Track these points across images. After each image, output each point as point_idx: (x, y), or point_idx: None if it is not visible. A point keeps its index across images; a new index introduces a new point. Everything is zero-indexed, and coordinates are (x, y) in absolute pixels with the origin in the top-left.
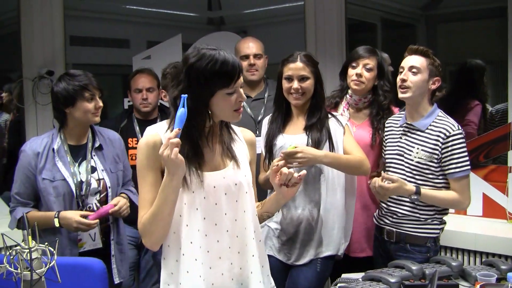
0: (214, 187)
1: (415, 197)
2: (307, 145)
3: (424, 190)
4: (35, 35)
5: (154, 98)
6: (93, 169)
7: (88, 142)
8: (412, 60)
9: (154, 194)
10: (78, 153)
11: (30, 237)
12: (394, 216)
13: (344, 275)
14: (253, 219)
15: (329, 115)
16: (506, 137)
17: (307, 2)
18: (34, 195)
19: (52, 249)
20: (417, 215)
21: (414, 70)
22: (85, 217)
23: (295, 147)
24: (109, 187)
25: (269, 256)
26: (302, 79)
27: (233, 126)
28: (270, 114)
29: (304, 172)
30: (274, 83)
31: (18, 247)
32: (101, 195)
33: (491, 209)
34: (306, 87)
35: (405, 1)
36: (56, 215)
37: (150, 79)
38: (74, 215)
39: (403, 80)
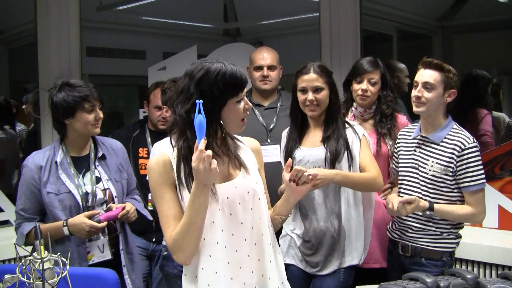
0: (228, 198)
1: (429, 213)
2: (325, 157)
3: (438, 206)
4: (52, 46)
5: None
6: (98, 180)
7: (91, 152)
8: (426, 76)
9: (176, 209)
10: (81, 165)
11: (42, 247)
12: (409, 230)
13: None
14: (269, 225)
15: (346, 125)
16: None
17: (322, 13)
18: (39, 210)
19: (65, 259)
20: (433, 229)
21: (428, 86)
22: (92, 217)
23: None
24: (115, 197)
25: (291, 265)
26: (316, 90)
27: (237, 136)
28: (288, 127)
29: (315, 172)
30: (288, 94)
31: (31, 257)
32: (108, 205)
33: (507, 221)
34: (321, 98)
35: (421, 12)
36: (65, 224)
37: None
38: (82, 219)
39: (418, 97)
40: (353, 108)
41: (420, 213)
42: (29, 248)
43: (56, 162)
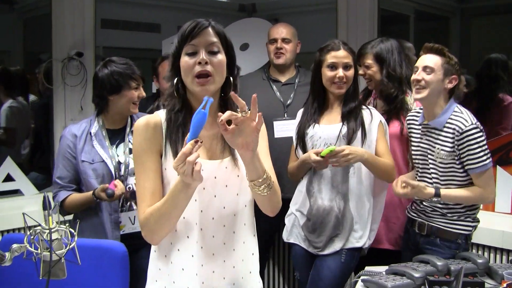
0: (215, 177)
1: (436, 199)
2: (339, 135)
3: (444, 191)
4: (66, 17)
5: None
6: (131, 151)
7: (127, 126)
8: (426, 60)
9: (155, 182)
10: (116, 137)
11: (50, 218)
12: (427, 210)
13: (367, 268)
14: (252, 214)
15: (363, 107)
16: None
17: None
18: (75, 178)
19: (73, 230)
20: (447, 211)
21: (428, 70)
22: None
23: (334, 149)
24: None
25: (294, 244)
26: (346, 67)
27: None
28: (304, 106)
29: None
30: (306, 71)
31: (39, 228)
32: None
33: None
34: (350, 75)
35: None
36: (93, 192)
37: None
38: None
39: (418, 81)
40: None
41: (428, 200)
42: (38, 218)
43: (90, 132)
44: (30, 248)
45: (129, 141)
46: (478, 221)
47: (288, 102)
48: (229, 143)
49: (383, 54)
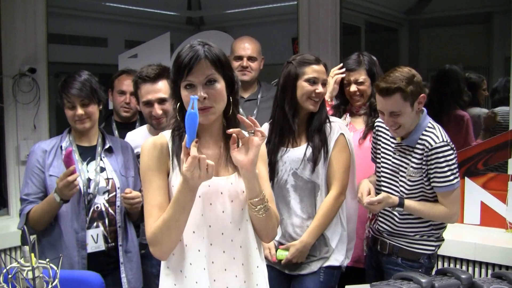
0: (222, 193)
1: (399, 208)
2: (307, 157)
3: (409, 202)
4: (17, 31)
5: (136, 104)
6: (102, 169)
7: (98, 144)
8: (389, 105)
9: (162, 198)
10: (87, 153)
11: (33, 255)
12: (388, 229)
13: (348, 287)
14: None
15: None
16: (506, 145)
17: (300, 3)
18: (43, 195)
19: (55, 267)
20: (411, 229)
21: (395, 114)
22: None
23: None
24: (118, 188)
25: (268, 266)
26: (323, 84)
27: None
28: (270, 121)
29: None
30: (268, 85)
31: (17, 265)
32: (110, 195)
33: (489, 218)
34: (325, 93)
35: (390, 4)
36: (55, 192)
37: None
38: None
39: (391, 126)
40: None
41: (390, 209)
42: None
43: (61, 146)
44: None
45: (101, 160)
46: (443, 240)
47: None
48: (234, 160)
49: (373, 68)
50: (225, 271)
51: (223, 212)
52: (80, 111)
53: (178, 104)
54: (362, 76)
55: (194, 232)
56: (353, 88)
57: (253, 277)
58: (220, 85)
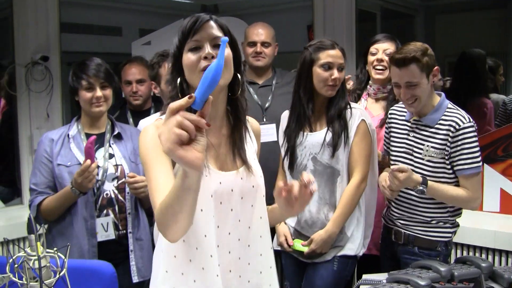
0: (232, 190)
1: (421, 187)
2: (327, 142)
3: (432, 182)
4: (29, 20)
5: (145, 90)
6: (111, 156)
7: (107, 132)
8: (405, 76)
9: (167, 175)
10: (96, 141)
11: (39, 244)
12: (403, 217)
13: (365, 276)
14: (268, 226)
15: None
16: None
17: None
18: (52, 184)
19: (63, 257)
20: (429, 214)
21: (411, 84)
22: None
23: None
24: (128, 174)
25: (284, 253)
26: (340, 68)
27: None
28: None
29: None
30: (283, 72)
31: (23, 254)
32: (119, 182)
33: (510, 205)
34: (342, 78)
35: None
36: (71, 186)
37: (141, 70)
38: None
39: (408, 99)
40: (368, 87)
41: (416, 198)
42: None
43: (68, 135)
44: (14, 279)
45: (110, 146)
46: (458, 225)
47: (267, 105)
48: (278, 205)
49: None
50: (229, 272)
51: (231, 210)
52: (99, 93)
53: (179, 79)
54: (392, 47)
55: (205, 236)
56: (380, 55)
57: (263, 277)
58: (228, 51)
